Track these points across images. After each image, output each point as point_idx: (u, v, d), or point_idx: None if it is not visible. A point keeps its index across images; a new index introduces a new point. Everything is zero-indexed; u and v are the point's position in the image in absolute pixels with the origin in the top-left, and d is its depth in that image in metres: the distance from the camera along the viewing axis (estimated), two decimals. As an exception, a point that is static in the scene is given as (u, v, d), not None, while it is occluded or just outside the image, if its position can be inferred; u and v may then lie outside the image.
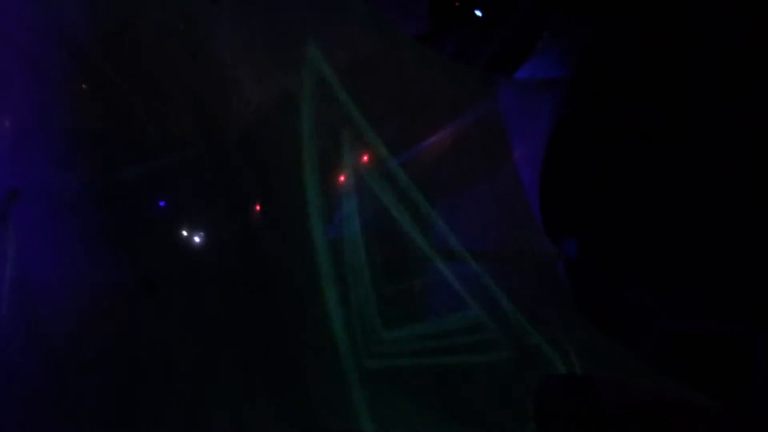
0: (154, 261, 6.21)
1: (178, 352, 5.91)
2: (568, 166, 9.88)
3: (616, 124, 9.55)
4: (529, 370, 8.20)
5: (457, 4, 9.05)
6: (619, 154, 9.65)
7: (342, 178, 8.47)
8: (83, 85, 6.43)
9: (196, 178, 6.70)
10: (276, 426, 5.92)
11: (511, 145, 9.40)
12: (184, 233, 6.62)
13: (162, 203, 6.54)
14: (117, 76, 6.48)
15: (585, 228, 10.16)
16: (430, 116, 9.00)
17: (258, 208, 7.05)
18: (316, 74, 7.84)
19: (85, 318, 5.68)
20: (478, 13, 9.02)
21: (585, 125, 9.72)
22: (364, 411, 6.50)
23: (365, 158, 8.69)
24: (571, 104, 9.24)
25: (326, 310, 6.93)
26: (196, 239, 6.64)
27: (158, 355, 5.81)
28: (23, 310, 5.56)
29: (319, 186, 7.66)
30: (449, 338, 8.02)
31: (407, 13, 9.12)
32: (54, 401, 5.34)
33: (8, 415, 5.27)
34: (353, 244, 7.82)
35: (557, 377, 8.87)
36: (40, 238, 5.83)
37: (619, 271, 9.96)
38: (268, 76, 7.44)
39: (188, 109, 6.84)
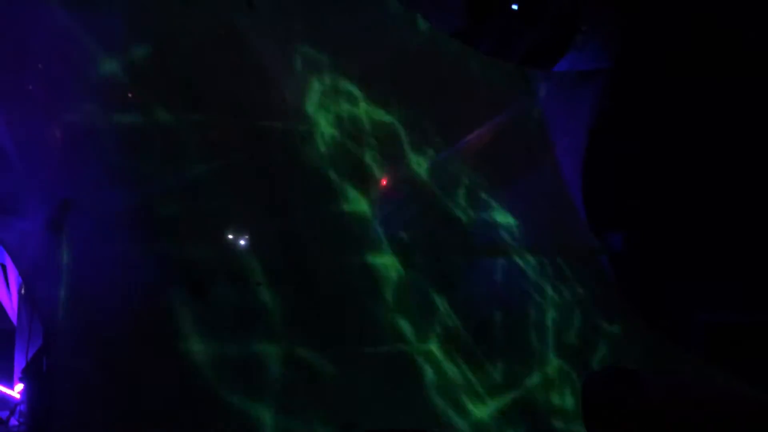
0: (200, 264, 6.32)
1: (224, 350, 6.02)
2: (609, 158, 9.75)
3: (657, 114, 9.38)
4: (575, 364, 8.17)
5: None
6: (661, 145, 9.49)
7: (383, 178, 8.53)
8: (129, 94, 6.62)
9: (240, 181, 6.81)
10: (320, 422, 6.00)
11: (551, 139, 9.32)
12: (230, 236, 6.75)
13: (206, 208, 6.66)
14: (161, 84, 6.65)
15: (628, 220, 10.02)
16: (470, 112, 8.97)
17: (299, 209, 7.13)
18: (353, 74, 7.90)
19: (138, 321, 5.84)
20: (514, 7, 8.96)
21: (626, 117, 9.57)
22: (407, 408, 6.55)
23: (406, 156, 8.74)
24: (611, 96, 9.10)
25: (368, 308, 6.97)
26: (241, 241, 6.77)
27: (205, 354, 5.93)
28: (79, 315, 5.74)
29: (361, 186, 7.72)
30: (492, 333, 8.01)
31: (444, 9, 9.10)
32: (108, 401, 5.50)
33: (66, 415, 5.47)
34: (395, 242, 7.87)
35: (604, 371, 8.81)
36: (92, 246, 6.01)
37: (664, 263, 9.82)
38: (306, 79, 7.52)
39: (229, 114, 6.97)
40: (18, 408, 6.89)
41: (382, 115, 8.16)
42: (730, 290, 9.11)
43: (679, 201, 9.59)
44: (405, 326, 7.00)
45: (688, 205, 9.48)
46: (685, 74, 9.19)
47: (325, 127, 7.55)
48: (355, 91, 7.92)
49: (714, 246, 9.27)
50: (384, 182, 8.03)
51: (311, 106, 7.56)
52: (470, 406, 6.78)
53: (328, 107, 7.66)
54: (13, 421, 6.81)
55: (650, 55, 9.02)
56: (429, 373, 6.73)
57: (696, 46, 8.79)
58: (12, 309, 7.60)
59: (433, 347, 7.11)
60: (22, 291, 7.31)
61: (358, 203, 7.53)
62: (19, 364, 7.08)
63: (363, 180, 7.71)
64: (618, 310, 9.29)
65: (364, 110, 8.00)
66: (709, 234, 9.33)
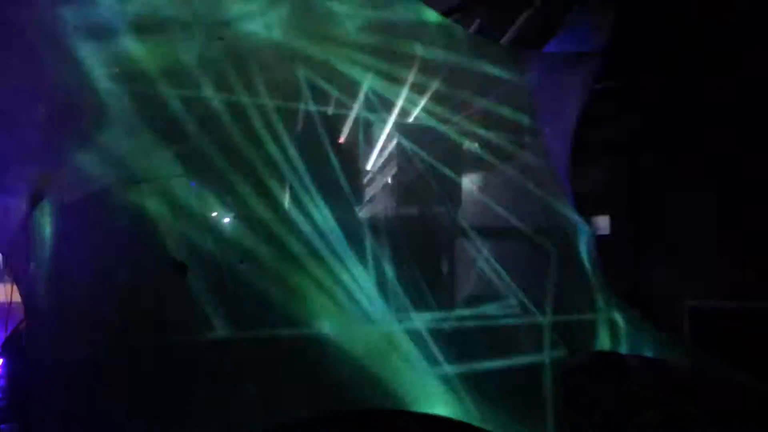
0: (183, 243, 6.31)
1: (206, 332, 6.02)
2: (599, 140, 9.70)
3: (647, 97, 9.31)
4: (558, 347, 8.19)
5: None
6: (651, 127, 9.42)
7: (371, 158, 8.50)
8: (116, 70, 6.54)
9: (224, 160, 6.76)
10: (305, 407, 6.02)
11: (541, 121, 9.26)
12: (214, 216, 6.72)
13: (192, 184, 6.63)
14: (147, 60, 6.57)
15: (617, 204, 10.00)
16: (459, 92, 8.90)
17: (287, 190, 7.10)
18: (346, 52, 7.82)
19: (117, 296, 5.83)
20: (506, -15, 8.87)
21: (616, 99, 9.50)
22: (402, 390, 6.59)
23: (395, 136, 8.69)
24: (602, 78, 9.02)
25: (353, 291, 6.97)
26: (225, 221, 6.74)
27: (187, 332, 5.94)
28: (58, 292, 5.74)
29: (349, 166, 7.69)
30: (479, 315, 8.04)
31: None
32: (87, 375, 5.52)
33: (45, 389, 5.49)
34: (384, 224, 7.86)
35: (585, 353, 8.85)
36: (73, 220, 5.99)
37: (651, 247, 9.81)
38: (296, 62, 7.45)
39: (212, 93, 6.90)
40: (-2, 383, 6.91)
41: (371, 93, 8.08)
42: (718, 276, 9.10)
43: (668, 184, 9.57)
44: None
45: (678, 188, 9.45)
46: (677, 57, 9.11)
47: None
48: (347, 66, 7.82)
49: (703, 230, 9.25)
50: (371, 160, 8.00)
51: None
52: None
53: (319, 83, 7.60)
54: (-7, 396, 6.83)
55: (641, 36, 8.93)
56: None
57: (688, 29, 8.70)
58: (-8, 284, 7.61)
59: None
60: (2, 266, 7.30)
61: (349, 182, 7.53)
62: (-1, 339, 7.10)
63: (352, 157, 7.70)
64: (604, 294, 9.30)
65: (353, 86, 7.91)
66: (699, 218, 9.31)
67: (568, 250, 8.96)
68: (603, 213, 10.08)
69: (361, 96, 8.07)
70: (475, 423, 6.50)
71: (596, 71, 8.73)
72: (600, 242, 9.45)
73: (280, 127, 7.04)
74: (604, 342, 8.62)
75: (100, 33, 6.24)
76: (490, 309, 8.18)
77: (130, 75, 6.44)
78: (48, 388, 5.51)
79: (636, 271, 9.81)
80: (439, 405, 6.65)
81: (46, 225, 5.95)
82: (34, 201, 5.86)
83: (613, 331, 8.78)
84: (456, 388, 6.72)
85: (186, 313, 6.02)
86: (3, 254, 6.74)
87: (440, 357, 6.99)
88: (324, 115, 7.64)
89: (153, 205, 6.17)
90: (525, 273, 8.72)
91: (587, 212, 9.36)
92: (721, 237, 8.94)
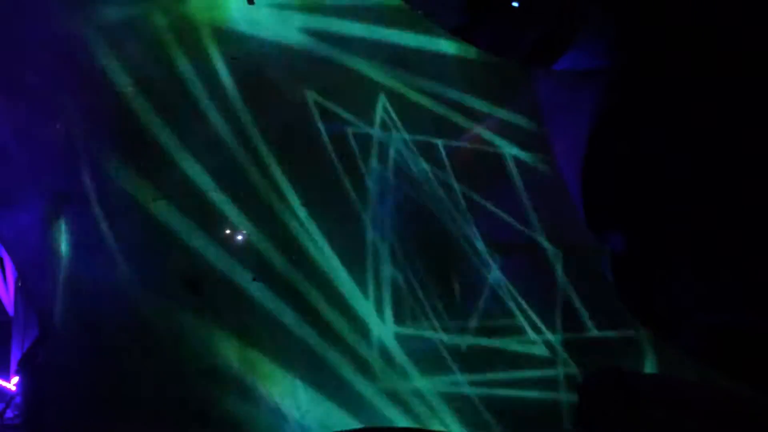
0: (196, 260, 6.36)
1: (219, 347, 6.06)
2: (609, 158, 9.69)
3: (659, 115, 9.31)
4: (570, 365, 8.17)
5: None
6: (663, 145, 9.41)
7: (379, 173, 8.52)
8: (129, 89, 6.63)
9: (235, 178, 6.81)
10: (318, 419, 6.04)
11: (550, 138, 9.30)
12: (226, 232, 6.77)
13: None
14: (161, 82, 6.66)
15: (628, 221, 9.97)
16: (468, 109, 8.96)
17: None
18: (351, 70, 7.90)
19: (132, 314, 5.88)
20: (515, 4, 8.93)
21: (627, 117, 9.51)
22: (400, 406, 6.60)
23: (404, 152, 8.73)
24: (613, 96, 9.05)
25: (365, 307, 7.01)
26: (238, 238, 6.78)
27: (201, 349, 5.98)
28: (75, 307, 5.79)
29: (358, 180, 7.73)
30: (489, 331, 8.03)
31: (443, 5, 9.07)
32: (102, 393, 5.55)
33: (61, 407, 5.52)
34: (393, 242, 7.88)
35: (600, 372, 8.80)
36: (89, 239, 6.04)
37: (663, 264, 9.77)
38: (304, 75, 7.52)
39: (226, 111, 6.98)
40: (13, 400, 6.92)
41: (380, 108, 8.15)
42: (732, 292, 9.06)
43: (679, 201, 9.54)
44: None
45: (690, 205, 9.42)
46: (687, 73, 9.13)
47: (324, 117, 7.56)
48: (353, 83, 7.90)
49: (716, 247, 9.21)
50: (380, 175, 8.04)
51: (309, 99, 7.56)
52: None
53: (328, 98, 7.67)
54: (9, 413, 6.84)
55: (652, 53, 8.96)
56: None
57: (698, 45, 8.73)
58: (8, 301, 7.63)
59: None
60: (19, 283, 7.34)
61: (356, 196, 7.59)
62: (15, 356, 7.12)
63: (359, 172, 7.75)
64: (617, 310, 9.28)
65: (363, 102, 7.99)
66: (711, 234, 9.27)
67: (580, 265, 8.97)
68: (615, 228, 10.06)
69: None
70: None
71: (606, 89, 8.79)
72: (612, 257, 9.45)
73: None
74: (617, 359, 8.59)
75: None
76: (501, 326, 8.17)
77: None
78: (64, 405, 5.54)
79: (649, 287, 9.77)
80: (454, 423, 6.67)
81: (63, 242, 6.01)
82: (52, 219, 5.92)
83: (626, 349, 8.75)
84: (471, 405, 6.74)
85: (202, 331, 6.06)
86: (19, 272, 6.79)
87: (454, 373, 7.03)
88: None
89: (171, 220, 6.25)
90: (536, 288, 8.73)
91: (598, 227, 9.35)
92: (735, 251, 8.90)
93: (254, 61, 7.06)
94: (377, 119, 8.07)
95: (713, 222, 9.07)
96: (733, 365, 8.44)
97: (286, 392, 6.08)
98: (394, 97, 8.18)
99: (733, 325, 9.03)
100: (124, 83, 6.49)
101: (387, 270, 7.47)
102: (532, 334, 8.20)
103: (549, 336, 8.29)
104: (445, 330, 7.55)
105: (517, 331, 8.13)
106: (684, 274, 9.61)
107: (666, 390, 8.95)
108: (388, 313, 7.16)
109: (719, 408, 8.23)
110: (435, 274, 7.91)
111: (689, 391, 8.63)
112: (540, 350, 8.17)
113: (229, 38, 7.02)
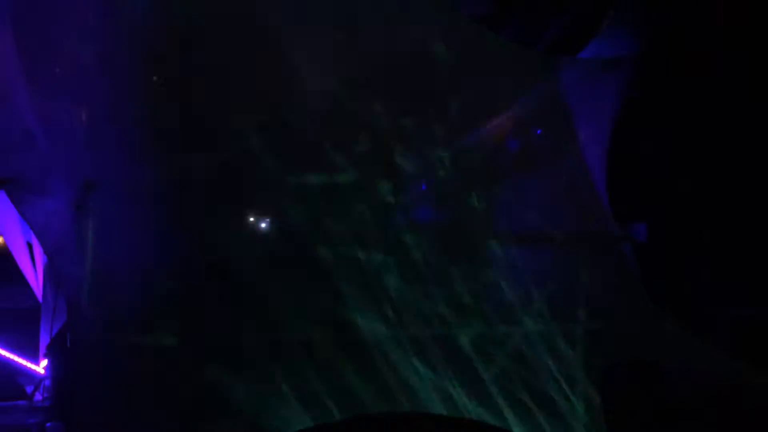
0: (222, 247, 6.41)
1: (245, 336, 6.10)
2: (635, 147, 9.58)
3: (684, 104, 9.19)
4: (595, 356, 8.10)
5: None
6: (688, 134, 9.29)
7: (406, 164, 8.50)
8: (153, 78, 6.69)
9: (260, 167, 6.86)
10: (339, 407, 6.06)
11: (575, 127, 9.20)
12: (251, 219, 6.82)
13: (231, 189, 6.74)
14: (184, 68, 6.71)
15: (654, 210, 9.86)
16: (493, 98, 8.90)
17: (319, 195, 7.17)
18: (377, 58, 7.87)
19: (158, 298, 5.95)
20: (540, -8, 8.87)
21: (652, 106, 9.39)
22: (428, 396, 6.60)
23: (428, 142, 8.69)
24: (637, 84, 8.93)
25: (387, 295, 7.01)
26: (262, 226, 6.83)
27: (226, 337, 6.02)
28: (102, 292, 5.86)
29: (381, 174, 7.73)
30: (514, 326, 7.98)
31: (469, -6, 9.03)
32: (129, 377, 5.62)
33: (89, 390, 5.60)
34: (417, 229, 7.86)
35: (623, 363, 8.72)
36: (115, 224, 6.12)
37: (690, 255, 9.65)
38: (329, 64, 7.52)
39: (252, 100, 7.02)
40: (42, 383, 7.05)
41: (404, 99, 8.11)
42: (761, 284, 8.92)
43: (707, 191, 9.41)
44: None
45: (717, 195, 9.29)
46: (715, 63, 9.00)
47: (349, 110, 7.56)
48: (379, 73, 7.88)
49: (745, 238, 9.08)
50: (406, 166, 8.01)
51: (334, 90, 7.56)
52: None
53: (352, 90, 7.66)
54: (38, 396, 6.97)
55: (679, 43, 8.83)
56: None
57: (726, 36, 8.59)
58: (38, 287, 7.76)
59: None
60: (47, 268, 7.47)
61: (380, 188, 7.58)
62: (44, 340, 7.24)
63: (385, 165, 7.73)
64: (641, 301, 9.18)
65: (387, 93, 7.97)
66: (739, 225, 9.14)
67: (606, 257, 8.89)
68: (640, 218, 9.95)
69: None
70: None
71: (632, 77, 8.68)
72: (638, 249, 9.35)
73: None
74: (642, 350, 8.50)
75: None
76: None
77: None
78: (92, 387, 5.62)
79: (675, 279, 9.65)
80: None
81: (90, 228, 6.09)
82: (79, 205, 6.00)
83: (652, 340, 8.66)
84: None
85: (225, 314, 6.11)
86: (48, 256, 6.90)
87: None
88: None
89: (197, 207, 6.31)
90: (561, 280, 8.66)
91: (623, 216, 9.25)
92: (761, 244, 8.77)
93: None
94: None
95: (742, 212, 8.95)
96: (763, 359, 8.32)
97: (307, 381, 6.12)
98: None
99: (763, 319, 8.90)
100: (150, 71, 6.58)
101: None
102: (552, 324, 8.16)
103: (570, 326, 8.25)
104: None
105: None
106: (714, 268, 9.49)
107: (692, 382, 8.86)
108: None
109: (746, 401, 8.12)
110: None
111: (716, 384, 8.53)
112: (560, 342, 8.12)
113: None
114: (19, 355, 7.28)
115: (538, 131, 8.99)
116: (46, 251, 6.56)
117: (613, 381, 8.24)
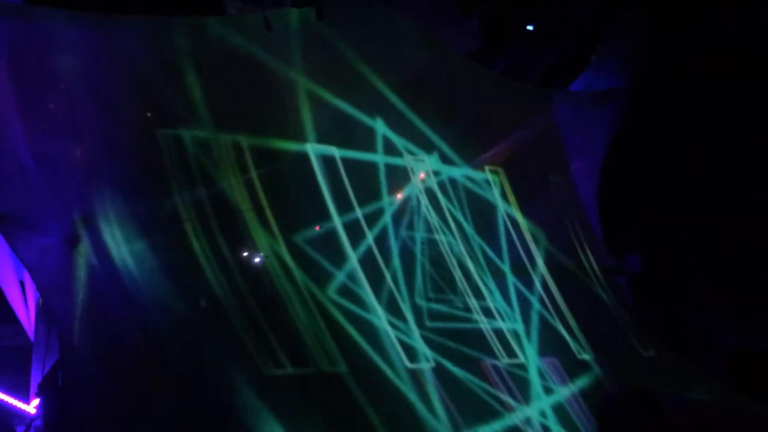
0: (219, 282, 6.39)
1: (239, 367, 6.05)
2: (627, 178, 9.70)
3: (676, 135, 9.33)
4: (591, 387, 8.07)
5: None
6: (681, 165, 9.41)
7: (398, 195, 8.54)
8: (147, 114, 6.72)
9: (254, 201, 6.88)
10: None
11: (568, 159, 9.29)
12: (244, 254, 6.80)
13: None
14: (178, 103, 6.75)
15: (648, 241, 9.93)
16: (485, 131, 8.99)
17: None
18: (370, 93, 7.95)
19: (153, 336, 5.87)
20: (529, 27, 9.00)
21: (644, 137, 9.52)
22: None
23: (422, 175, 8.73)
24: (629, 116, 9.07)
25: (379, 327, 7.00)
26: (255, 260, 6.81)
27: (221, 369, 5.96)
28: (95, 329, 5.78)
29: (375, 203, 7.76)
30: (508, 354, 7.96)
31: (459, 30, 9.15)
32: (123, 414, 5.52)
33: (82, 426, 5.50)
34: (408, 261, 7.87)
35: (620, 394, 8.69)
36: (110, 260, 6.07)
37: (685, 285, 9.69)
38: (324, 99, 7.59)
39: (247, 133, 7.06)
40: (33, 423, 6.91)
41: (397, 132, 8.19)
42: (757, 313, 8.97)
43: (701, 221, 9.50)
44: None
45: (711, 225, 9.38)
46: (705, 95, 9.15)
47: (345, 144, 7.64)
48: (372, 107, 7.97)
49: (739, 268, 9.15)
50: (398, 197, 8.06)
51: (330, 124, 7.64)
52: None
53: (347, 124, 7.75)
54: (29, 436, 6.84)
55: (668, 74, 8.99)
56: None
57: (714, 68, 8.76)
58: (29, 325, 7.65)
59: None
60: (40, 305, 7.37)
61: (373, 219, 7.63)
62: (35, 379, 7.12)
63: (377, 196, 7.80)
64: (636, 331, 9.18)
65: (380, 127, 8.05)
66: (733, 255, 9.21)
67: (600, 288, 8.91)
68: (632, 249, 10.01)
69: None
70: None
71: (622, 109, 8.80)
72: (632, 280, 9.39)
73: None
74: (641, 379, 8.48)
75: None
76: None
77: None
78: (84, 427, 5.52)
79: (670, 309, 9.68)
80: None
81: (84, 264, 6.03)
82: (74, 242, 5.95)
83: (649, 369, 8.64)
84: None
85: (220, 350, 6.05)
86: (41, 293, 6.81)
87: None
88: None
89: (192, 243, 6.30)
90: (557, 311, 8.66)
91: (618, 250, 9.31)
92: (757, 276, 8.82)
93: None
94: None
95: (737, 243, 9.02)
96: (755, 386, 8.32)
97: (304, 412, 6.07)
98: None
99: (755, 348, 8.92)
100: (144, 107, 6.62)
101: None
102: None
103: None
104: None
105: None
106: (708, 297, 9.52)
107: (688, 412, 8.82)
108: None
109: (742, 430, 8.09)
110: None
111: (713, 414, 8.50)
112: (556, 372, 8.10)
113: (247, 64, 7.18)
114: (10, 394, 7.13)
115: (530, 163, 9.08)
116: (39, 288, 6.47)
117: (610, 411, 8.21)
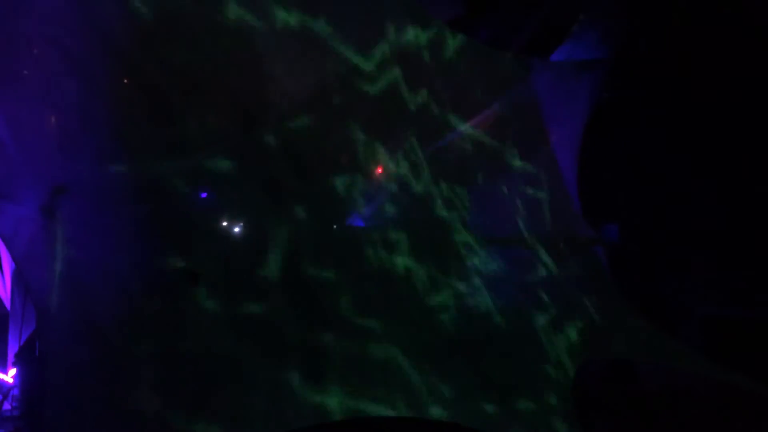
0: (195, 253, 6.35)
1: (217, 341, 6.05)
2: (607, 149, 9.72)
3: (656, 106, 9.34)
4: (569, 355, 8.17)
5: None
6: (660, 136, 9.45)
7: (378, 169, 8.51)
8: (124, 81, 6.60)
9: (235, 171, 6.82)
10: (312, 411, 6.04)
11: (548, 129, 9.29)
12: (224, 225, 6.76)
13: (203, 195, 6.69)
14: (156, 71, 6.63)
15: (625, 212, 10.00)
16: (467, 101, 8.94)
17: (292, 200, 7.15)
18: (350, 64, 7.86)
19: (130, 304, 5.86)
20: (512, -5, 8.94)
21: (624, 108, 9.53)
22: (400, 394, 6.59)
23: (401, 146, 8.70)
24: (610, 87, 9.06)
25: (359, 301, 7.00)
26: (236, 230, 6.78)
27: (199, 343, 5.97)
28: (72, 298, 5.76)
29: (355, 179, 7.72)
30: (487, 322, 8.02)
31: (442, -1, 9.07)
32: (101, 383, 5.53)
33: (59, 399, 5.50)
34: (388, 235, 7.86)
35: (597, 361, 8.83)
36: (86, 230, 6.02)
37: (662, 256, 9.80)
38: (303, 69, 7.49)
39: (225, 103, 6.97)
40: (11, 392, 6.91)
41: (378, 105, 8.11)
42: (732, 284, 9.09)
43: (679, 193, 9.56)
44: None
45: (688, 196, 9.45)
46: (685, 66, 9.15)
47: (323, 116, 7.55)
48: (352, 79, 7.87)
49: (715, 238, 9.25)
50: (378, 171, 8.02)
51: (308, 95, 7.54)
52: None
53: (326, 96, 7.66)
54: (6, 405, 6.83)
55: (649, 45, 8.97)
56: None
57: (695, 41, 8.74)
58: (5, 295, 7.61)
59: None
60: (15, 275, 7.32)
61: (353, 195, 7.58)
62: (12, 349, 7.10)
63: (359, 170, 7.74)
64: (613, 301, 9.29)
65: (360, 99, 7.96)
66: (710, 226, 9.31)
67: (578, 258, 8.98)
68: (611, 220, 10.08)
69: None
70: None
71: (603, 79, 8.78)
72: (610, 250, 9.46)
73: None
74: (616, 348, 8.60)
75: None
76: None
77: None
78: (62, 396, 5.52)
79: (647, 279, 9.79)
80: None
81: (60, 234, 5.98)
82: (48, 211, 5.89)
83: (625, 338, 8.76)
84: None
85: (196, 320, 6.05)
86: (16, 263, 6.76)
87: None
88: None
89: (167, 212, 6.24)
90: (535, 281, 8.72)
91: (594, 218, 9.36)
92: (731, 245, 8.93)
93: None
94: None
95: (713, 213, 9.11)
96: (733, 357, 8.48)
97: (282, 378, 6.09)
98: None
99: (734, 317, 9.07)
100: (122, 74, 6.50)
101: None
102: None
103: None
104: None
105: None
106: (684, 268, 9.64)
107: (665, 380, 8.99)
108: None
109: (718, 399, 8.27)
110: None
111: (688, 382, 8.67)
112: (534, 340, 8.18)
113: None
114: (-13, 364, 7.14)
115: (511, 133, 9.07)
116: (15, 258, 6.42)
117: (587, 378, 8.34)
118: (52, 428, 5.50)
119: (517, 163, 9.25)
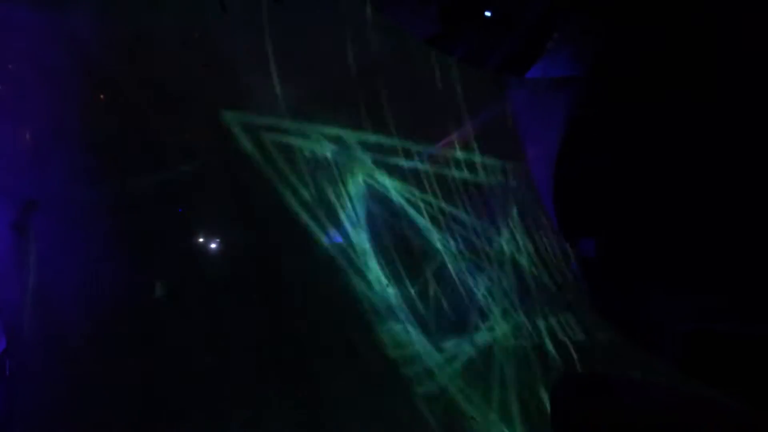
0: (170, 268, 6.29)
1: (194, 356, 5.99)
2: (582, 165, 9.82)
3: (630, 123, 9.47)
4: (545, 370, 8.20)
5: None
6: (635, 152, 9.57)
7: (354, 182, 8.52)
8: (100, 96, 6.55)
9: (211, 186, 6.78)
10: (290, 428, 5.99)
11: (523, 145, 9.37)
12: (200, 240, 6.71)
13: (179, 210, 6.64)
14: (131, 85, 6.59)
15: (602, 227, 10.09)
16: (442, 118, 9.00)
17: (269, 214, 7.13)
18: (326, 79, 7.89)
19: (103, 323, 5.78)
20: (487, 13, 9.01)
21: (598, 124, 9.65)
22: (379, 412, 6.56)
23: (377, 161, 8.73)
24: (584, 103, 9.18)
25: (339, 313, 6.98)
26: (212, 246, 6.73)
27: (174, 358, 5.90)
28: (43, 317, 5.67)
29: (332, 191, 7.72)
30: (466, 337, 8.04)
31: (417, 15, 9.12)
32: (73, 404, 5.44)
33: (28, 418, 5.40)
34: (366, 247, 7.86)
35: (573, 376, 8.84)
36: (58, 246, 5.93)
37: (639, 271, 9.88)
38: (280, 83, 7.50)
39: (202, 118, 6.94)
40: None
41: (354, 119, 8.14)
42: (710, 299, 9.19)
43: (654, 208, 9.67)
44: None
45: (665, 212, 9.55)
46: (659, 83, 9.29)
47: (300, 130, 7.56)
48: (329, 93, 7.90)
49: (692, 254, 9.35)
50: (354, 184, 8.04)
51: (285, 108, 7.54)
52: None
53: (303, 109, 7.67)
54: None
55: (623, 63, 9.11)
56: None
57: (667, 58, 8.89)
58: (-25, 313, 7.46)
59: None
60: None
61: (330, 207, 7.57)
62: (-19, 368, 6.95)
63: (335, 183, 7.74)
64: (589, 316, 9.36)
65: (337, 113, 7.99)
66: (687, 242, 9.41)
67: (553, 273, 9.04)
68: (586, 234, 10.17)
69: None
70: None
71: (578, 97, 8.90)
72: (586, 265, 9.53)
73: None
74: (592, 363, 8.64)
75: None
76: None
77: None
78: (32, 416, 5.42)
79: (622, 293, 9.87)
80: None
81: (31, 252, 5.89)
82: (19, 228, 5.80)
83: (602, 353, 8.81)
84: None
85: (172, 337, 5.98)
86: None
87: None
88: None
89: (144, 228, 6.19)
90: (511, 294, 8.76)
91: (570, 232, 9.44)
92: (710, 260, 9.02)
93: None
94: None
95: (690, 229, 9.21)
96: (708, 371, 8.55)
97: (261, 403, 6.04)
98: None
99: (707, 333, 9.15)
100: (96, 89, 6.44)
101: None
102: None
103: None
104: None
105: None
106: (659, 283, 9.73)
107: (640, 394, 9.02)
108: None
109: (694, 414, 8.31)
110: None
111: (666, 396, 8.71)
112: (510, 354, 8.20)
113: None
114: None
115: (487, 150, 9.14)
116: (-16, 276, 6.31)
117: (562, 393, 8.33)
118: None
119: (492, 178, 9.32)
